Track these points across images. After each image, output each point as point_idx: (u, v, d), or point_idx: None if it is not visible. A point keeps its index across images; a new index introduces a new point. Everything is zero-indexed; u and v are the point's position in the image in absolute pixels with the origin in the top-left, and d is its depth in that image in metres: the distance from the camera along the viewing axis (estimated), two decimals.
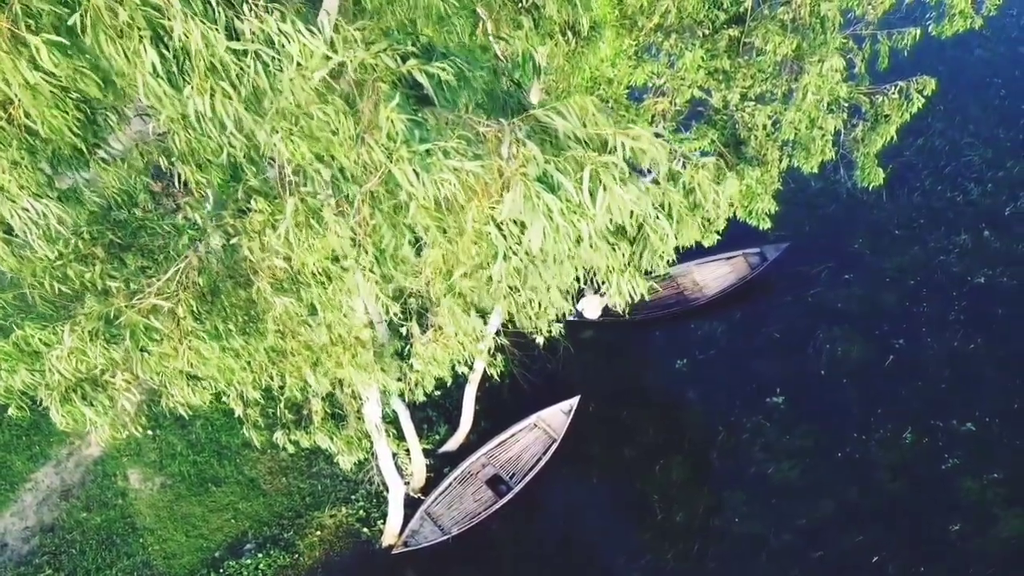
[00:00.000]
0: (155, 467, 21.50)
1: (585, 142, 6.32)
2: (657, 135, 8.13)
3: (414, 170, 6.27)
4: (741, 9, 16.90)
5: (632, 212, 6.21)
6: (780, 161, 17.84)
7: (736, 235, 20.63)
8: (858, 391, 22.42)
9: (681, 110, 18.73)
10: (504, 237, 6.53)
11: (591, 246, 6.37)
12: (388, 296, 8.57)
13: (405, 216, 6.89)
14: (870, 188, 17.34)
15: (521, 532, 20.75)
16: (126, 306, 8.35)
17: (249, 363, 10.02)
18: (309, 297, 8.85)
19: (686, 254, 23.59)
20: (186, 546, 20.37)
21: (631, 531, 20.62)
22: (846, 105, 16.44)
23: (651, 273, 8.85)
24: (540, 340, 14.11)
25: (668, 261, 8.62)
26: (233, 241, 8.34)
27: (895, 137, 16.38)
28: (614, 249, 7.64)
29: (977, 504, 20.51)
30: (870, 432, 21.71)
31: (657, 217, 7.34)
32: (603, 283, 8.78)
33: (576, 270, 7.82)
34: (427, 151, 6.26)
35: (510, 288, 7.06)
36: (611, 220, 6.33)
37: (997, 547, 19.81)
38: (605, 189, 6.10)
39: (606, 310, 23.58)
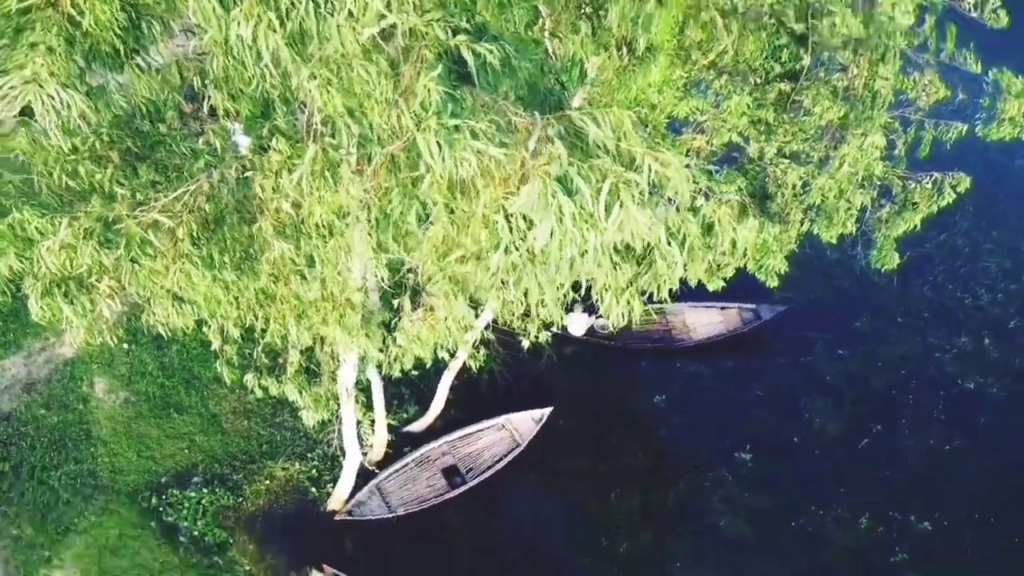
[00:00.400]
0: (123, 381, 21.47)
1: (614, 155, 6.28)
2: (687, 167, 8.10)
3: (438, 142, 6.23)
4: (797, 67, 16.82)
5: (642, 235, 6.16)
6: (801, 224, 17.78)
7: (738, 287, 20.58)
8: (827, 466, 22.37)
9: (716, 151, 18.64)
10: (510, 230, 6.48)
11: (595, 261, 6.32)
12: (382, 265, 8.48)
13: (418, 188, 6.83)
14: (883, 270, 17.26)
15: (466, 525, 20.71)
16: (128, 215, 8.31)
17: (237, 299, 9.98)
18: (308, 248, 8.81)
19: (683, 295, 23.80)
20: (135, 465, 20.35)
21: (574, 550, 20.57)
22: (878, 183, 16.38)
23: (648, 295, 8.74)
24: (526, 344, 14.06)
25: (669, 291, 8.56)
26: (247, 175, 8.30)
27: (918, 226, 16.31)
28: (615, 267, 7.58)
29: None
30: (828, 509, 21.65)
31: (669, 243, 7.29)
32: (597, 299, 8.71)
33: (572, 279, 7.73)
34: (455, 127, 6.22)
35: (503, 283, 6.98)
36: (620, 240, 6.28)
37: None
38: (622, 206, 6.06)
39: (591, 330, 23.46)
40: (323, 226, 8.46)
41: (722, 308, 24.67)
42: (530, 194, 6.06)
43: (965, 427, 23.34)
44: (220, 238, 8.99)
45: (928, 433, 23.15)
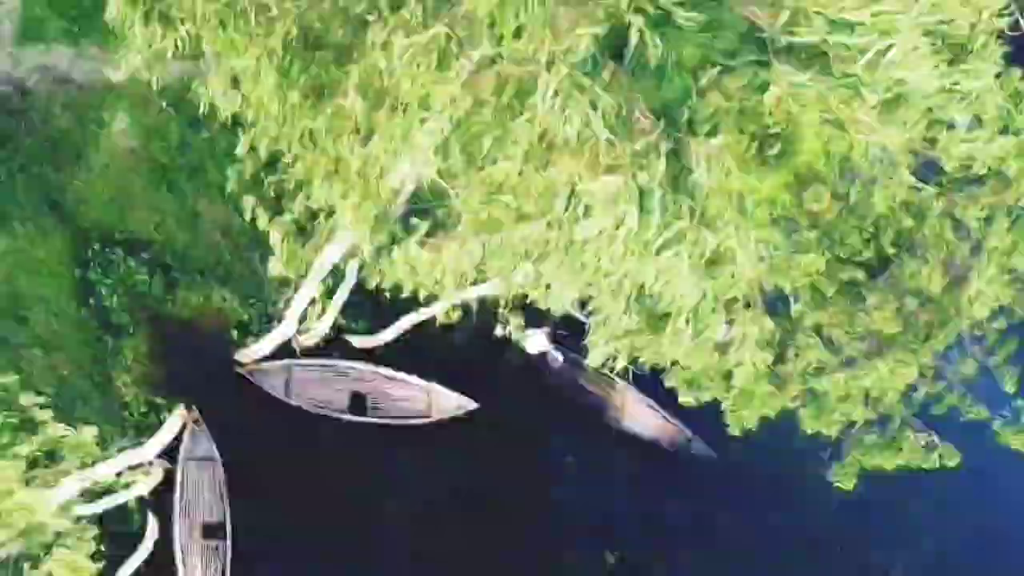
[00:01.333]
0: (143, 132, 20.95)
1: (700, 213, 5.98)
2: None
3: (556, 90, 5.96)
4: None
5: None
6: (792, 400, 17.52)
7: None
8: None
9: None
10: (566, 207, 6.24)
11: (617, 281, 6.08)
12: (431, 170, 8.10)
13: (512, 118, 6.51)
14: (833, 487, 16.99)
15: (346, 452, 20.26)
16: None
17: (287, 118, 9.71)
18: (376, 120, 8.46)
19: (646, 382, 22.94)
20: (101, 209, 20.07)
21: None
22: (881, 412, 16.17)
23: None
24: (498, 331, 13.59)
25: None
26: (369, 17, 8.00)
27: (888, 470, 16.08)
28: (627, 314, 7.32)
29: None
30: None
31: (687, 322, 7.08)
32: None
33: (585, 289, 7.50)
34: (581, 85, 6.00)
35: (525, 253, 6.75)
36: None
37: None
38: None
39: (546, 354, 22.86)
40: (402, 106, 8.20)
41: (664, 418, 23.60)
42: (608, 184, 5.86)
43: None
44: (307, 56, 8.73)
45: None
